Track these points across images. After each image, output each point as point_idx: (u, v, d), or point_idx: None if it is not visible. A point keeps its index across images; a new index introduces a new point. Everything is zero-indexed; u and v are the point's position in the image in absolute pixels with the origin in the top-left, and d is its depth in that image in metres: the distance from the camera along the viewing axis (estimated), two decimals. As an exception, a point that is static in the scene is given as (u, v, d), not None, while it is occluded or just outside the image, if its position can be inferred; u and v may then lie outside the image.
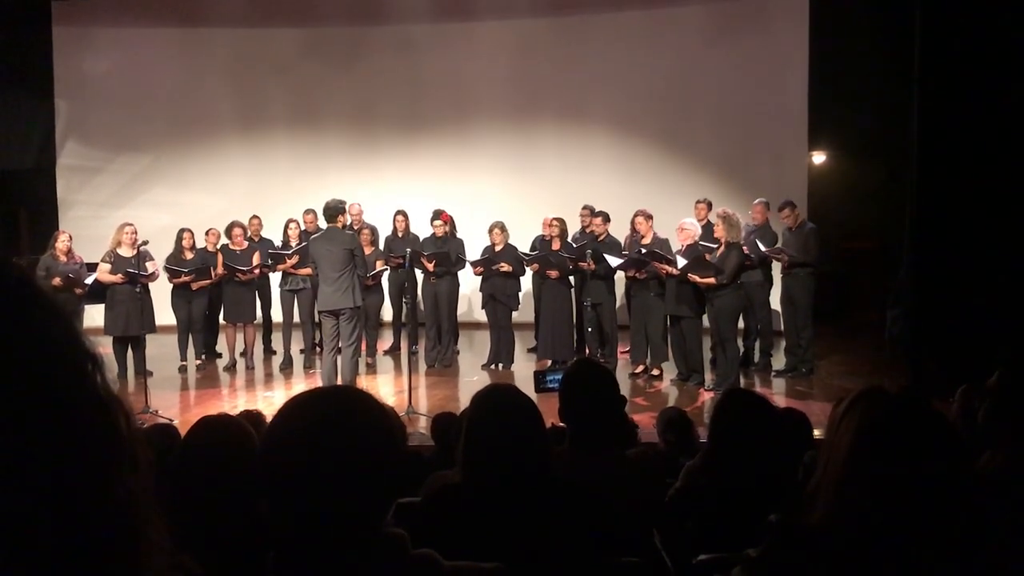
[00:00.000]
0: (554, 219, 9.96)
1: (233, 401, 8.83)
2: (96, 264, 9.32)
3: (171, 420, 7.30)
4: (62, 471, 0.68)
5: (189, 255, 10.07)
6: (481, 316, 10.45)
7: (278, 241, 10.59)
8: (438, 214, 10.28)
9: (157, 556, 0.75)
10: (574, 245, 9.76)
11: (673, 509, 3.08)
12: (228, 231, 10.38)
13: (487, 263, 9.85)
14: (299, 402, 1.50)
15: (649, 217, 9.33)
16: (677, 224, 9.03)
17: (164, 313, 9.90)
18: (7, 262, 0.73)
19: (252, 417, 3.86)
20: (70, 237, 9.50)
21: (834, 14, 11.65)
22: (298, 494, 1.40)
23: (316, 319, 9.81)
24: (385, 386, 9.43)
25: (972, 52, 7.89)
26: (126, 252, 9.18)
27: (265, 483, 1.44)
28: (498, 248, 9.91)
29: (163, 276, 9.75)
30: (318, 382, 8.79)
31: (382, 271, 10.24)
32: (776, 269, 9.68)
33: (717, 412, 3.16)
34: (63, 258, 9.31)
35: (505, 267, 9.76)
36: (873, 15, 11.17)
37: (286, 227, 10.49)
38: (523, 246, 10.20)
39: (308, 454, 1.40)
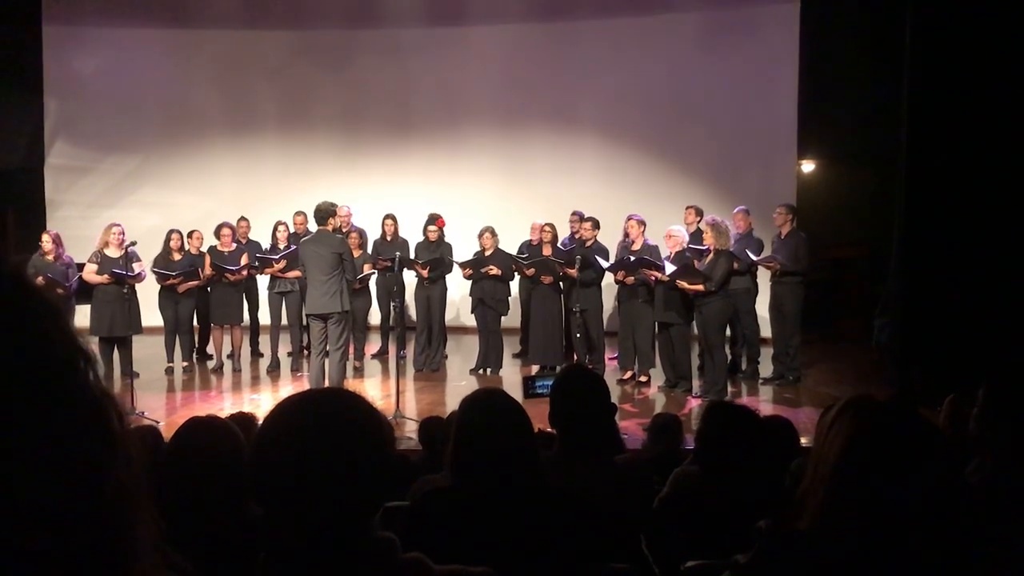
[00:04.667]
0: (546, 224, 9.96)
1: (220, 403, 8.79)
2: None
3: (157, 422, 7.28)
4: (54, 467, 0.68)
5: (177, 256, 10.03)
6: (470, 320, 10.44)
7: (266, 243, 10.57)
8: (434, 219, 10.25)
9: (149, 554, 0.75)
10: (563, 250, 9.78)
11: (661, 515, 3.08)
12: (217, 232, 10.36)
13: (476, 265, 9.85)
14: (291, 404, 1.50)
15: (642, 223, 9.34)
16: (665, 231, 9.05)
17: (151, 314, 9.86)
18: (1, 258, 0.72)
19: (244, 419, 3.84)
20: (56, 237, 9.43)
21: (824, 23, 11.71)
22: (289, 496, 1.40)
23: (304, 322, 9.79)
24: (373, 390, 9.41)
25: (961, 61, 7.93)
26: (113, 252, 9.13)
27: (256, 485, 1.44)
28: (488, 253, 9.91)
29: (150, 277, 9.70)
30: (305, 385, 8.77)
31: (370, 275, 10.22)
32: (762, 277, 9.71)
33: (702, 425, 3.18)
34: (51, 258, 9.25)
35: (494, 270, 9.76)
36: (863, 25, 11.23)
37: (275, 230, 10.47)
38: (512, 251, 10.19)
39: (299, 456, 1.40)
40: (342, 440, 1.42)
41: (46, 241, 9.30)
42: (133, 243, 8.85)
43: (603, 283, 9.62)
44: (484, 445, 2.43)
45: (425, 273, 10.01)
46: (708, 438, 3.11)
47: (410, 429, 7.26)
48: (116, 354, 9.26)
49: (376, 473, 1.43)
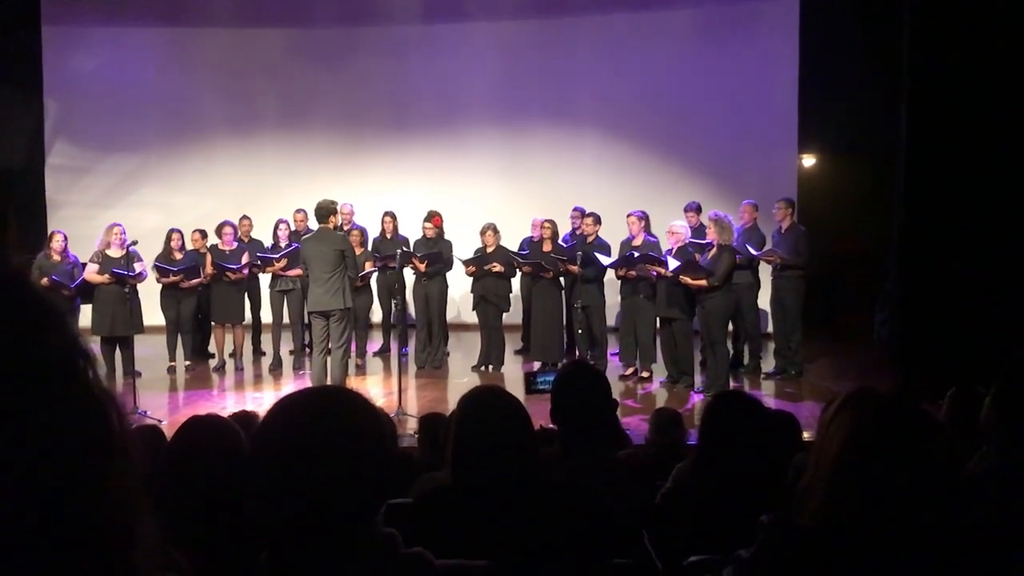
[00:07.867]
0: (546, 221, 9.96)
1: (222, 402, 8.80)
2: (92, 263, 9.30)
3: (160, 421, 7.28)
4: (54, 466, 0.68)
5: (178, 255, 10.03)
6: (471, 317, 10.44)
7: (268, 242, 10.56)
8: (431, 216, 10.25)
9: (149, 553, 0.75)
10: (564, 246, 9.77)
11: (663, 510, 3.08)
12: (218, 231, 10.36)
13: (479, 262, 9.84)
14: (290, 401, 1.50)
15: (641, 219, 9.33)
16: (666, 226, 9.04)
17: (154, 314, 9.86)
18: (2, 259, 0.72)
19: (245, 417, 3.85)
20: (65, 237, 9.45)
21: (824, 17, 11.69)
22: (289, 493, 1.40)
23: (306, 320, 9.79)
24: (375, 387, 9.41)
25: (960, 56, 7.93)
26: (114, 253, 9.13)
27: (256, 482, 1.44)
28: (490, 250, 9.89)
29: (151, 275, 9.70)
30: (307, 383, 8.77)
31: (371, 272, 10.21)
32: (764, 272, 9.70)
33: (708, 413, 3.16)
34: (57, 257, 9.26)
35: (497, 267, 9.76)
36: (862, 19, 11.21)
37: (276, 228, 10.47)
38: (512, 247, 10.18)
39: (299, 453, 1.40)
40: (341, 437, 1.42)
41: (57, 240, 9.31)
42: (134, 243, 8.86)
43: (605, 279, 9.62)
44: (483, 441, 2.43)
45: (422, 267, 9.99)
46: (714, 424, 3.09)
47: (412, 426, 7.26)
48: (118, 354, 9.27)
49: (376, 470, 1.43)
